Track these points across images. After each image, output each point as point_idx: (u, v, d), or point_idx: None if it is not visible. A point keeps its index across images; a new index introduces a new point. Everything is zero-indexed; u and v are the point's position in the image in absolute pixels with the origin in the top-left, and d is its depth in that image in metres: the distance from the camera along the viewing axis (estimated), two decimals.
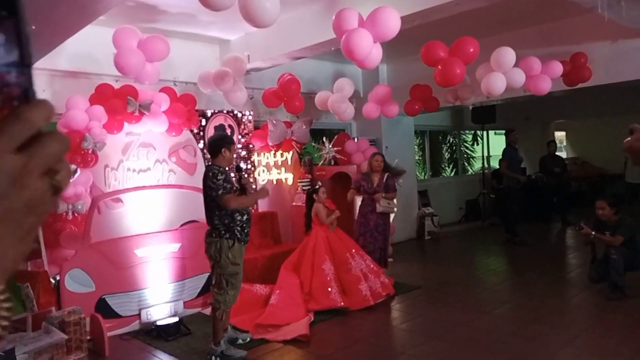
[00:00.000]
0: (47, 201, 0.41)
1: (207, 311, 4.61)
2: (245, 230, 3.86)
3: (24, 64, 0.40)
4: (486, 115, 9.31)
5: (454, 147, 11.49)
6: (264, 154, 6.59)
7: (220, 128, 6.02)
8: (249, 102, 6.47)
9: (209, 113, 5.96)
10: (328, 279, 5.03)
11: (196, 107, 5.64)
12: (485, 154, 10.32)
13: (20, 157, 0.39)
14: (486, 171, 10.47)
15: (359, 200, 6.07)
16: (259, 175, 6.53)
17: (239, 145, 6.24)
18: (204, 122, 5.90)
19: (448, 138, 11.42)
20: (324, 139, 7.11)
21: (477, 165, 11.78)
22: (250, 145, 6.42)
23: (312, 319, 4.66)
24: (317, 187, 5.49)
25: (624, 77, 5.77)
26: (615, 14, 4.30)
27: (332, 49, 5.19)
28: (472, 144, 11.89)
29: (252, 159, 6.44)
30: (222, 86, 4.86)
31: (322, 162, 6.98)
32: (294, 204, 6.71)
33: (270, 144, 6.43)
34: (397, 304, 5.20)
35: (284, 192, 6.86)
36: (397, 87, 7.43)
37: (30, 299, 3.74)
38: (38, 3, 2.53)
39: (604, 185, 11.60)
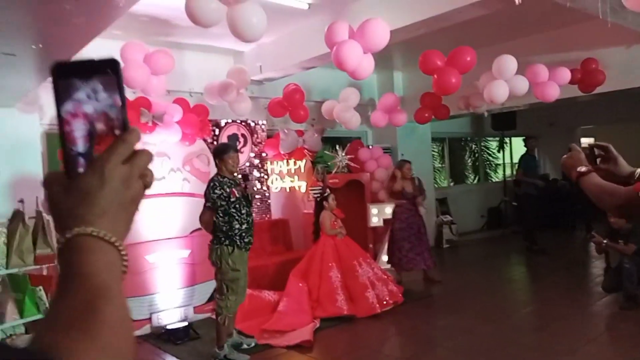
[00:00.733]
0: (142, 195, 0.61)
1: None
2: (245, 239, 3.96)
3: (122, 105, 0.59)
4: (506, 122, 9.20)
5: (476, 154, 11.37)
6: (277, 162, 6.71)
7: (233, 137, 6.17)
8: (262, 111, 6.61)
9: (222, 122, 6.13)
10: (335, 286, 5.08)
11: (211, 117, 5.82)
12: (508, 160, 10.18)
13: (126, 167, 0.58)
14: (508, 178, 10.32)
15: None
16: (272, 183, 6.65)
17: (252, 154, 6.38)
18: (217, 131, 6.07)
19: (470, 145, 11.32)
20: (337, 146, 7.18)
21: (502, 172, 11.62)
22: (264, 154, 6.56)
23: (318, 325, 4.71)
24: (326, 194, 5.56)
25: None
26: (621, 19, 4.23)
27: None
28: (498, 151, 11.73)
29: (265, 167, 6.57)
30: (226, 97, 5.02)
31: (335, 169, 7.04)
32: (305, 211, 6.80)
33: (281, 152, 6.55)
34: (405, 311, 5.20)
35: (296, 200, 6.96)
36: (411, 95, 7.46)
37: (44, 302, 3.94)
38: (44, 22, 2.71)
39: None
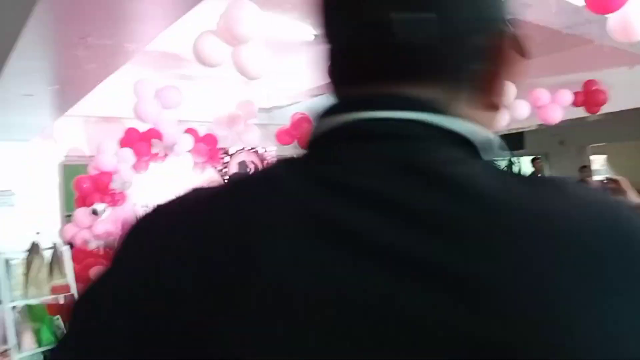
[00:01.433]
0: None
1: None
2: None
3: None
4: (514, 142, 9.22)
5: None
6: None
7: (242, 165, 6.32)
8: (271, 137, 6.75)
9: (232, 150, 6.29)
10: None
11: (220, 145, 5.97)
12: None
13: None
14: None
15: None
16: None
17: None
18: (227, 159, 6.23)
19: None
20: None
21: None
22: None
23: None
24: None
25: None
26: (618, 42, 4.31)
27: None
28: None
29: None
30: (235, 128, 5.17)
31: None
32: None
33: None
34: None
35: None
36: None
37: (62, 330, 4.05)
38: (59, 66, 2.88)
39: None
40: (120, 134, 5.28)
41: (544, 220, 0.35)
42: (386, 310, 0.33)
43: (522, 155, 10.49)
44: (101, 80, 3.13)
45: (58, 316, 4.10)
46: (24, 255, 4.01)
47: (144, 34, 2.48)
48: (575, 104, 5.45)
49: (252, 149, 6.45)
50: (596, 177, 10.55)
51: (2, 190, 4.91)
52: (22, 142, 4.94)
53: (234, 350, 0.35)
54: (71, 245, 4.58)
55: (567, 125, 7.84)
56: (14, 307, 3.88)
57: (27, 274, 3.98)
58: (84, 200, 4.83)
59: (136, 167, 5.18)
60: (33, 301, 3.99)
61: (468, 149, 0.43)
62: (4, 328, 3.85)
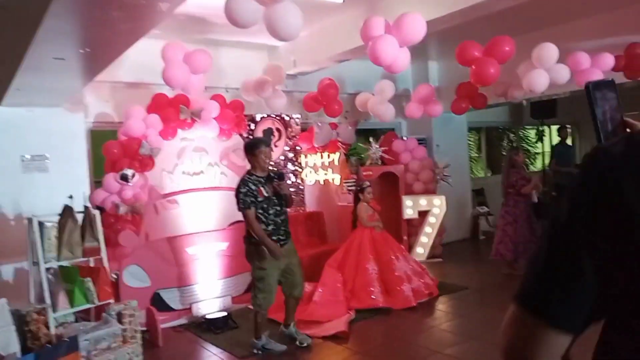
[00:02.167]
0: None
1: None
2: (273, 238, 3.97)
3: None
4: (546, 110, 8.93)
5: (514, 144, 11.11)
6: (311, 155, 6.77)
7: (268, 132, 6.27)
8: (297, 105, 6.68)
9: (258, 117, 6.23)
10: (371, 278, 5.12)
11: (246, 112, 5.92)
12: (548, 150, 9.90)
13: None
14: (547, 168, 10.05)
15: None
16: (306, 176, 6.72)
17: (286, 148, 6.46)
18: (253, 126, 6.18)
19: (508, 134, 11.07)
20: (371, 138, 7.17)
21: (541, 162, 11.34)
22: (298, 147, 6.63)
23: (353, 316, 4.77)
24: (364, 186, 5.49)
25: None
26: None
27: None
28: (537, 140, 11.42)
29: (299, 161, 6.65)
30: (262, 94, 5.10)
31: (368, 162, 7.04)
32: (339, 203, 6.84)
33: (316, 145, 6.61)
34: (440, 304, 5.20)
35: (330, 193, 7.02)
36: (446, 86, 7.34)
37: (92, 292, 4.14)
38: (91, 28, 2.83)
39: None
40: (147, 100, 5.26)
41: None
42: None
43: (552, 125, 10.19)
44: (132, 43, 3.08)
45: (89, 278, 4.18)
46: (57, 218, 4.07)
47: None
48: (615, 68, 5.20)
49: (277, 115, 6.38)
50: None
51: (36, 155, 4.97)
52: (54, 108, 4.96)
53: None
54: (101, 210, 4.63)
55: None
56: (48, 269, 3.97)
57: (60, 236, 4.05)
58: (113, 166, 4.86)
59: (164, 133, 5.18)
60: (65, 263, 4.08)
61: None
62: (40, 288, 3.95)
